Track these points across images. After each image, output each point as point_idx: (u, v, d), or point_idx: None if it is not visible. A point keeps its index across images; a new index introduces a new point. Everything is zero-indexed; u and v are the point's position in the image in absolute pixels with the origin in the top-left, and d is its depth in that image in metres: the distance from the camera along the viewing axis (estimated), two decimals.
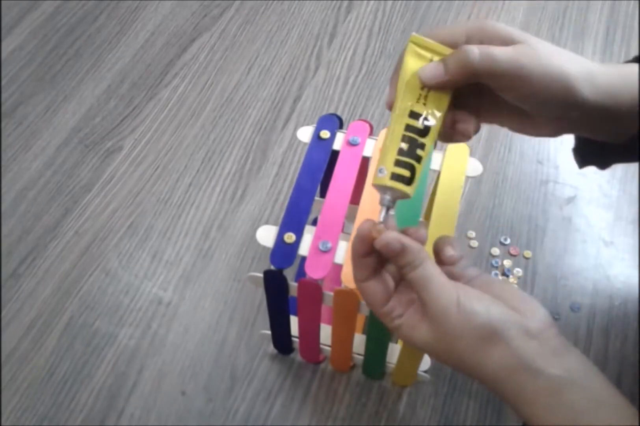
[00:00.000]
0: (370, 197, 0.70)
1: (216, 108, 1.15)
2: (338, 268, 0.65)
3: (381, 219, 0.51)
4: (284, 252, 0.66)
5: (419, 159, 0.50)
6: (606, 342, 0.90)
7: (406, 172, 0.49)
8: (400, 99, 0.50)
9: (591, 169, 1.06)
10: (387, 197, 0.50)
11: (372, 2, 1.30)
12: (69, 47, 1.24)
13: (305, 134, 0.76)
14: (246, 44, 1.24)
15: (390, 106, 0.52)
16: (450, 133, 0.53)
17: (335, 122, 0.75)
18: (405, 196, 0.50)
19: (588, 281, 0.95)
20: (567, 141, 1.12)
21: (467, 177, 0.72)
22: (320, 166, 0.72)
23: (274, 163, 1.08)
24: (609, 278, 0.96)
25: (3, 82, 1.18)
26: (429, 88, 0.50)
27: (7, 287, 0.95)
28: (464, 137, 0.53)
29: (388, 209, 0.51)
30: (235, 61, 1.22)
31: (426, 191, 0.72)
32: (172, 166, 1.08)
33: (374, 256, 0.52)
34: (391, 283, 0.53)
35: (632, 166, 1.06)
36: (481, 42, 0.50)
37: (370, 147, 0.74)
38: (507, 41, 0.50)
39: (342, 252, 0.66)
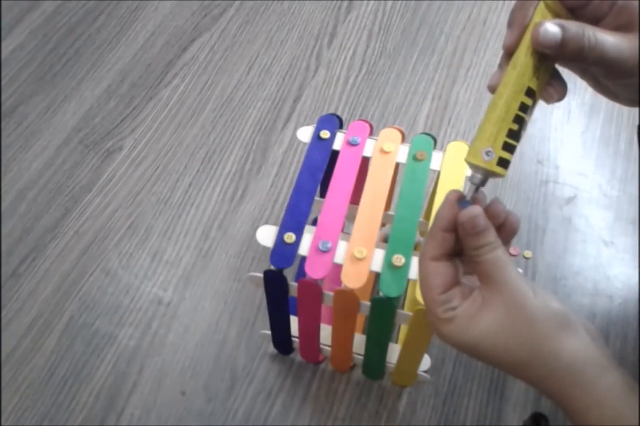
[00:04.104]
0: (370, 197, 0.70)
1: (216, 108, 1.15)
2: (338, 268, 0.65)
3: (468, 198, 0.48)
4: (284, 252, 0.66)
5: (519, 139, 0.47)
6: (606, 342, 0.90)
7: (509, 157, 0.47)
8: (519, 66, 0.47)
9: (591, 169, 1.07)
10: (480, 177, 0.47)
11: (372, 2, 1.30)
12: (69, 47, 1.24)
13: (305, 134, 0.76)
14: (246, 44, 1.24)
15: (509, 51, 0.49)
16: None
17: (335, 122, 0.75)
18: (499, 177, 0.48)
19: (588, 281, 0.95)
20: (568, 141, 1.13)
21: (467, 177, 0.72)
22: (320, 166, 0.72)
23: (274, 163, 1.08)
24: (609, 278, 0.96)
25: (3, 82, 1.18)
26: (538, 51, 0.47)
27: (7, 287, 0.95)
28: (544, 99, 0.50)
29: (477, 188, 0.48)
30: (235, 61, 1.22)
31: (426, 191, 0.72)
32: (172, 166, 1.08)
33: (453, 234, 0.48)
34: (461, 272, 0.50)
35: (632, 166, 1.07)
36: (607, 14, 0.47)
37: (370, 147, 0.74)
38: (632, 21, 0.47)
39: (342, 252, 0.66)
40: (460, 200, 0.48)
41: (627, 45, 0.47)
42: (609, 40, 0.46)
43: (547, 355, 0.45)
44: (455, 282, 0.49)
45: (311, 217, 0.76)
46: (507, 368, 0.48)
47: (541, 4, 0.47)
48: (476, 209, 0.46)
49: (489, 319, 0.46)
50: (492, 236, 0.47)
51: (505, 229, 0.49)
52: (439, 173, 0.72)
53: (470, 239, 0.47)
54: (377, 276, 0.66)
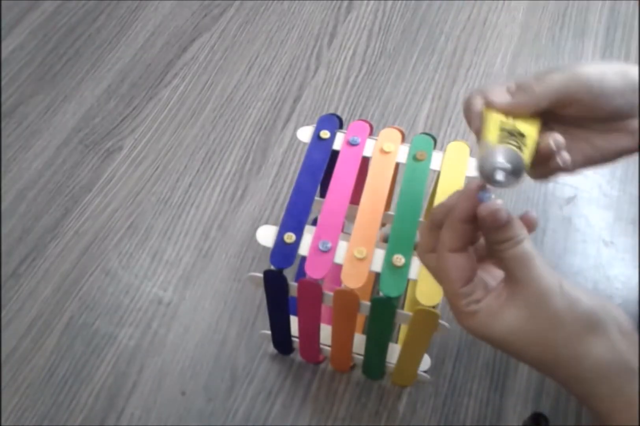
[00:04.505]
0: (370, 197, 0.70)
1: (216, 108, 1.15)
2: (338, 268, 0.65)
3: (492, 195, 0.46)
4: (284, 252, 0.66)
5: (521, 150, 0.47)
6: None
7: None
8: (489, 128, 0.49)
9: (591, 169, 1.06)
10: (504, 171, 0.45)
11: (372, 2, 1.30)
12: (69, 47, 1.24)
13: (305, 134, 0.76)
14: (246, 44, 1.24)
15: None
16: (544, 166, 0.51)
17: (335, 122, 0.75)
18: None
19: (588, 281, 0.95)
20: None
21: (467, 177, 0.72)
22: (320, 166, 0.72)
23: (274, 163, 1.08)
24: (609, 278, 0.96)
25: (3, 82, 1.18)
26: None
27: (7, 287, 0.95)
28: (560, 169, 0.51)
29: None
30: (235, 61, 1.22)
31: (426, 191, 0.72)
32: (172, 166, 1.08)
33: (473, 226, 0.46)
34: (475, 262, 0.48)
35: (632, 166, 1.07)
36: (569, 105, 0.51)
37: (370, 147, 0.74)
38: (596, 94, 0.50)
39: (342, 252, 0.66)
40: (480, 191, 0.46)
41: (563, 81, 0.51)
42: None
43: (570, 358, 0.44)
44: (475, 273, 0.48)
45: (311, 217, 0.76)
46: (531, 365, 0.47)
47: (487, 113, 0.50)
48: (497, 204, 0.45)
49: (511, 317, 0.45)
50: (515, 229, 0.45)
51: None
52: (439, 173, 0.72)
53: (491, 233, 0.46)
54: (377, 276, 0.66)
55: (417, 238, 0.65)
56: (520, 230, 0.46)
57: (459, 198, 0.47)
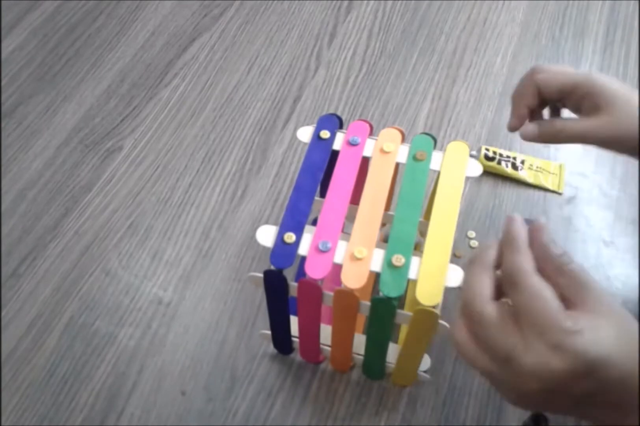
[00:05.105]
0: (370, 197, 0.70)
1: (216, 108, 1.15)
2: (338, 268, 0.65)
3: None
4: (284, 252, 0.66)
5: None
6: None
7: None
8: None
9: (591, 169, 1.06)
10: None
11: (372, 2, 1.30)
12: (69, 47, 1.24)
13: (305, 134, 0.76)
14: (246, 44, 1.24)
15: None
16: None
17: (335, 122, 0.75)
18: None
19: None
20: None
21: (467, 177, 0.72)
22: (320, 166, 0.72)
23: (274, 163, 1.08)
24: (609, 278, 0.96)
25: (3, 82, 1.18)
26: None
27: (7, 287, 0.95)
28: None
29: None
30: (235, 61, 1.22)
31: (426, 191, 0.72)
32: (172, 166, 1.08)
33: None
34: None
35: (632, 166, 1.07)
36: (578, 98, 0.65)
37: (370, 147, 0.74)
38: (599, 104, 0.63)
39: (342, 252, 0.66)
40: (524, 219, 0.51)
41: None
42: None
43: None
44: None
45: (311, 217, 0.76)
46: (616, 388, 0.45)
47: None
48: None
49: (609, 326, 0.45)
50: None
51: None
52: (439, 173, 0.72)
53: (552, 247, 0.48)
54: (377, 276, 0.66)
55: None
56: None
57: (510, 226, 0.51)
